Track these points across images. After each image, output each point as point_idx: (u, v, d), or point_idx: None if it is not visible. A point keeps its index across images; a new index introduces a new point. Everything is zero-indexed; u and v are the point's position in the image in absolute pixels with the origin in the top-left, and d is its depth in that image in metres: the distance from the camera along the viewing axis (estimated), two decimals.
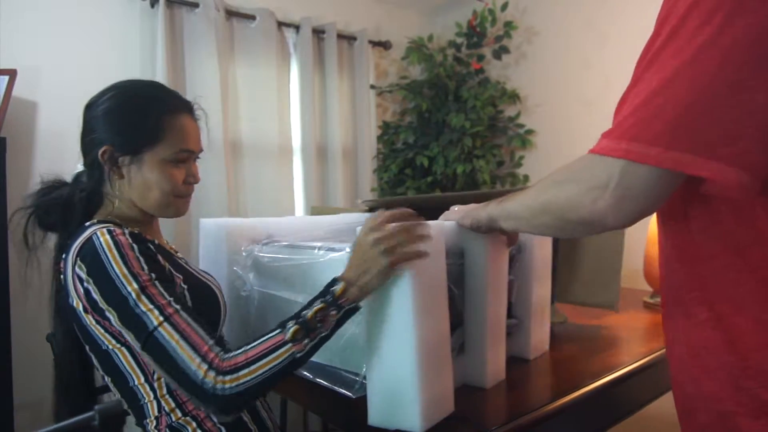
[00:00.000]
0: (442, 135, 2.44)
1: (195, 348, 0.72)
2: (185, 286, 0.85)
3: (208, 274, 0.99)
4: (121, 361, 0.82)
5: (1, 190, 1.49)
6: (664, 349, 1.13)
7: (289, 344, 0.72)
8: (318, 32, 2.43)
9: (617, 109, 0.59)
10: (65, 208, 0.87)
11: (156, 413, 0.83)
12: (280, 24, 2.30)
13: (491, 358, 0.93)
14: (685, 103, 0.51)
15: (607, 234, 1.25)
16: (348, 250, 0.80)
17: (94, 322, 0.80)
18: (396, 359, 0.76)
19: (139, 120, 0.88)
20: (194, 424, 0.83)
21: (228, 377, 0.70)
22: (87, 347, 0.85)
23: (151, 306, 0.74)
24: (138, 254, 0.78)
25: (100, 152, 0.86)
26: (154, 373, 0.82)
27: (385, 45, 2.67)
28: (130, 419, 0.86)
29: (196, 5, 2.04)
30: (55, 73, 1.80)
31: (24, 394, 1.61)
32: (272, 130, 2.26)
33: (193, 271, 0.93)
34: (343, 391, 0.90)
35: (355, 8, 2.62)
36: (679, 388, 0.68)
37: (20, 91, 1.68)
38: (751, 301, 0.57)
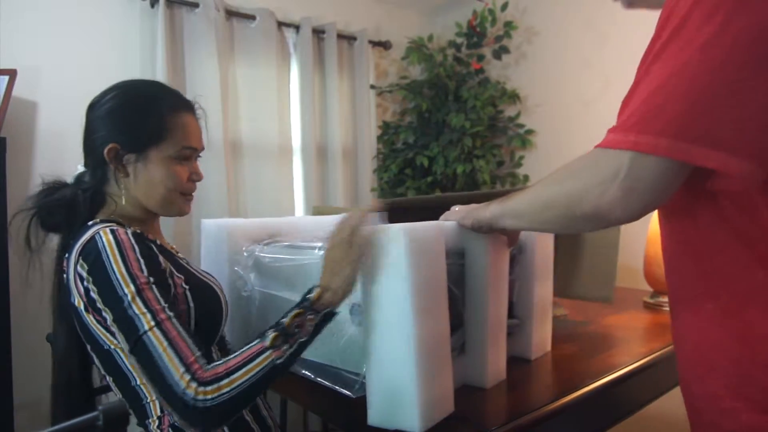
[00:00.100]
0: (442, 135, 2.44)
1: (181, 357, 0.71)
2: (186, 287, 0.86)
3: (210, 275, 0.99)
4: (122, 361, 0.82)
5: (1, 190, 1.49)
6: (665, 349, 1.14)
7: (269, 351, 0.72)
8: (318, 32, 2.43)
9: (622, 107, 0.60)
10: (69, 208, 0.87)
11: (158, 413, 0.83)
12: (280, 24, 2.30)
13: (492, 358, 0.93)
14: (691, 97, 0.52)
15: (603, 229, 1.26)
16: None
17: (94, 321, 0.80)
18: (395, 359, 0.76)
19: (143, 118, 0.89)
20: None
21: (209, 387, 0.69)
22: (88, 347, 0.85)
23: (144, 309, 0.74)
24: (139, 255, 0.78)
25: (105, 150, 0.87)
26: None
27: (385, 45, 2.67)
28: (132, 419, 0.86)
29: (196, 5, 2.04)
30: (55, 73, 1.80)
31: (24, 394, 1.62)
32: (272, 130, 2.26)
33: (194, 272, 0.93)
34: (343, 390, 0.90)
35: (355, 8, 2.62)
36: (687, 388, 0.69)
37: (20, 91, 1.68)
38: (760, 292, 0.58)
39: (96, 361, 0.85)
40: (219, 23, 2.08)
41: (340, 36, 2.49)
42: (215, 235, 1.09)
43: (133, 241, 0.79)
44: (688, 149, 0.52)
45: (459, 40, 2.54)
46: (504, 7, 2.37)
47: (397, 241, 0.75)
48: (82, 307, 0.80)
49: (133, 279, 0.75)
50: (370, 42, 2.58)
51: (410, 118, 2.69)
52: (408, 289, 0.74)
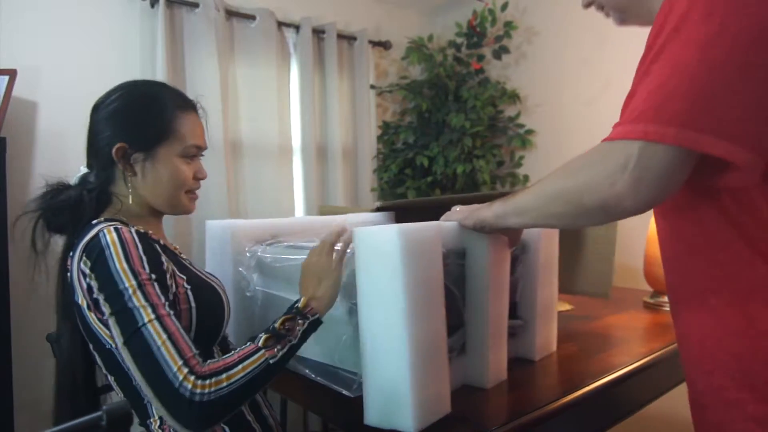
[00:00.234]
0: (442, 135, 2.44)
1: (180, 351, 0.72)
2: (189, 287, 0.86)
3: (213, 275, 0.99)
4: (124, 360, 0.82)
5: (1, 190, 1.49)
6: (665, 349, 1.14)
7: (262, 350, 0.76)
8: (318, 32, 2.43)
9: (625, 103, 0.61)
10: (75, 209, 0.87)
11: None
12: (280, 24, 2.30)
13: (492, 358, 0.93)
14: (697, 87, 0.53)
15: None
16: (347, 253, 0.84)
17: (96, 320, 0.80)
18: (389, 360, 0.76)
19: (150, 117, 0.90)
20: None
21: (208, 381, 0.70)
22: (91, 346, 0.85)
23: (145, 303, 0.74)
24: (141, 253, 0.79)
25: (114, 150, 0.87)
26: None
27: (385, 45, 2.67)
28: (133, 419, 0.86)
29: (196, 5, 2.04)
30: (55, 73, 1.80)
31: (24, 394, 1.62)
32: (272, 130, 2.26)
33: (196, 272, 0.93)
34: (342, 390, 0.90)
35: (355, 8, 2.62)
36: (692, 384, 0.69)
37: (20, 91, 1.68)
38: (763, 288, 0.59)
39: (98, 360, 0.85)
40: (219, 23, 2.08)
41: (340, 36, 2.49)
42: (220, 237, 1.10)
43: (136, 239, 0.80)
44: (696, 137, 0.53)
45: (459, 40, 2.54)
46: (504, 7, 2.37)
47: (392, 241, 0.74)
48: (85, 305, 0.80)
49: (135, 274, 0.76)
50: (370, 42, 2.58)
51: (410, 118, 2.69)
52: (402, 289, 0.74)
